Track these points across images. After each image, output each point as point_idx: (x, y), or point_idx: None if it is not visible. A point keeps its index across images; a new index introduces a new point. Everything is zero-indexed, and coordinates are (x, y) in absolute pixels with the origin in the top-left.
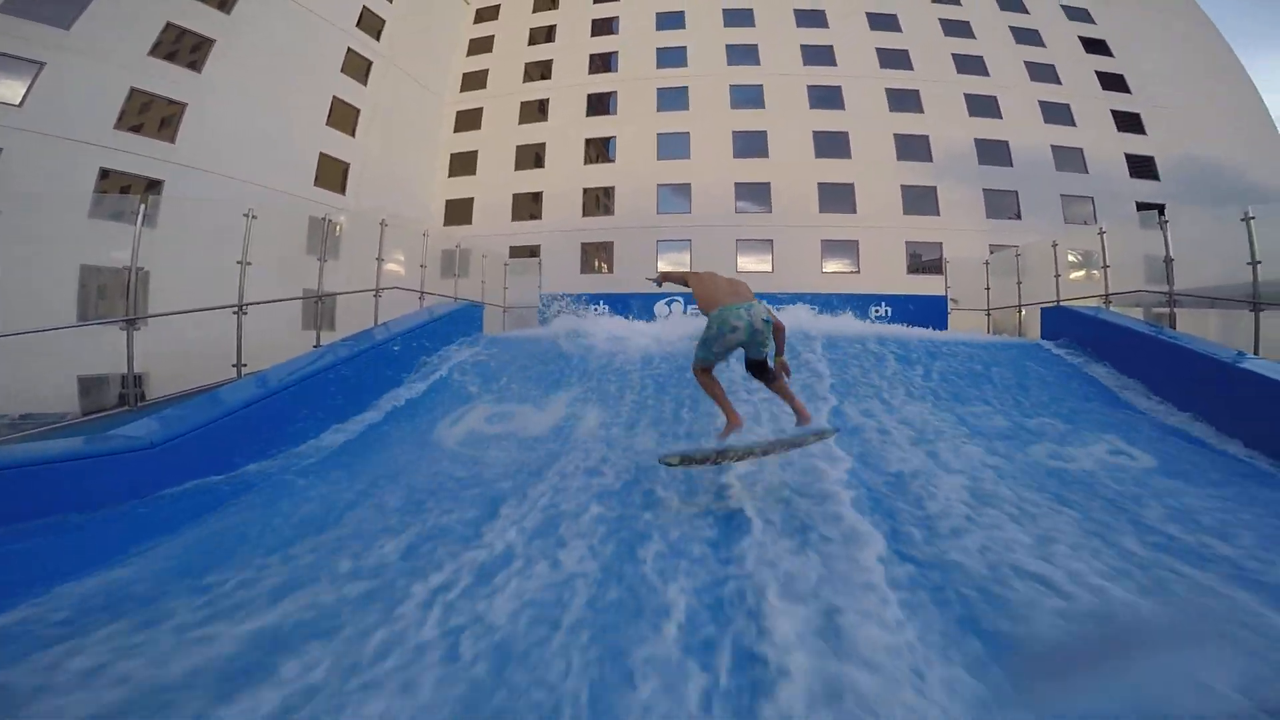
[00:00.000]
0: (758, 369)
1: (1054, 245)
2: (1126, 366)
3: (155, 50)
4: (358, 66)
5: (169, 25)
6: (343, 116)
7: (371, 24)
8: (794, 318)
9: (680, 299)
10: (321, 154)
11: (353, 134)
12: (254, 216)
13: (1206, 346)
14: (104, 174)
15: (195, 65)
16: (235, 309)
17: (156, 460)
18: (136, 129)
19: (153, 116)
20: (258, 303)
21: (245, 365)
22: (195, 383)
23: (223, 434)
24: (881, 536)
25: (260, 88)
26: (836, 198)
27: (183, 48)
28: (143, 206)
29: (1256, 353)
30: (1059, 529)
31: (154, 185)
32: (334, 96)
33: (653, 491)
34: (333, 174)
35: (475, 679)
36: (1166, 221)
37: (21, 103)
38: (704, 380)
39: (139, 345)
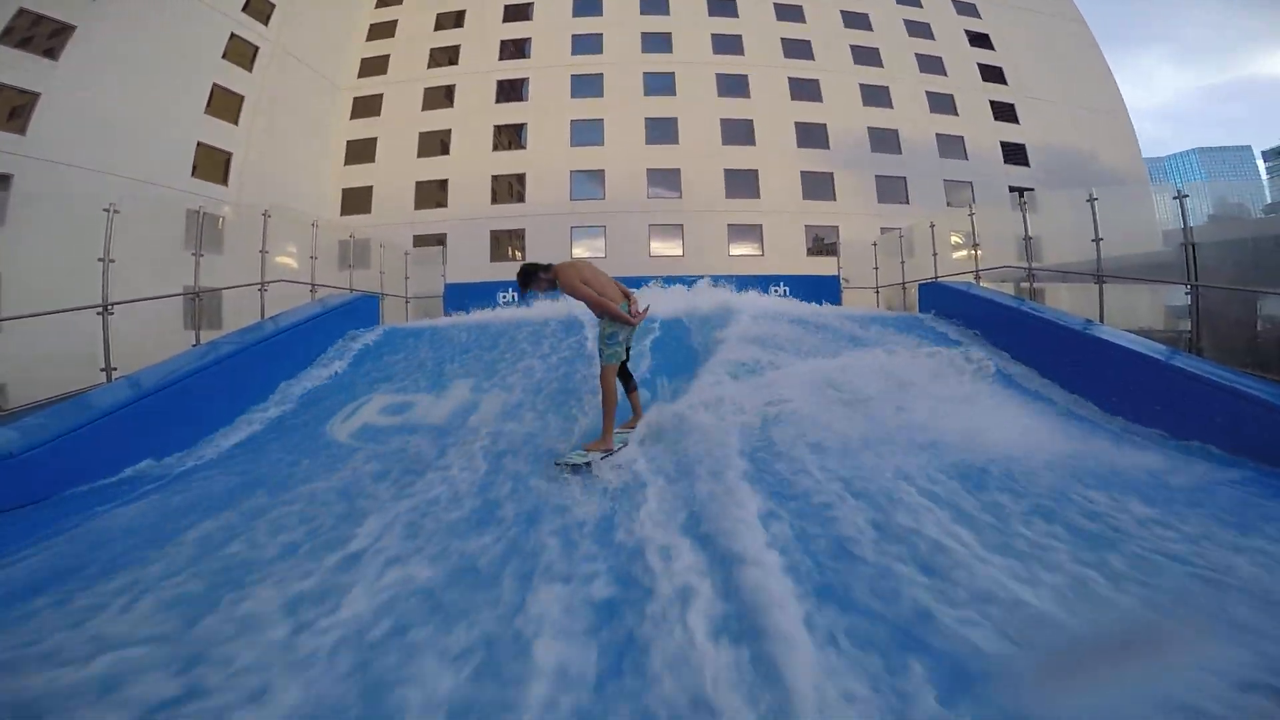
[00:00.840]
0: (626, 373)
1: (931, 226)
2: (989, 334)
3: (5, 38)
4: (242, 53)
5: (23, 11)
6: (224, 104)
7: (260, 9)
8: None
9: None
10: (200, 143)
11: (236, 122)
12: (116, 211)
13: (1056, 315)
14: None
15: (51, 53)
16: (99, 309)
17: (17, 472)
18: None
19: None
20: (124, 301)
21: (116, 369)
22: (60, 390)
23: (90, 441)
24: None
25: (127, 75)
26: (742, 183)
27: (38, 34)
28: None
29: (1102, 321)
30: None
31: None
32: (214, 84)
33: None
34: (213, 164)
35: None
36: (1025, 203)
37: None
38: (612, 385)
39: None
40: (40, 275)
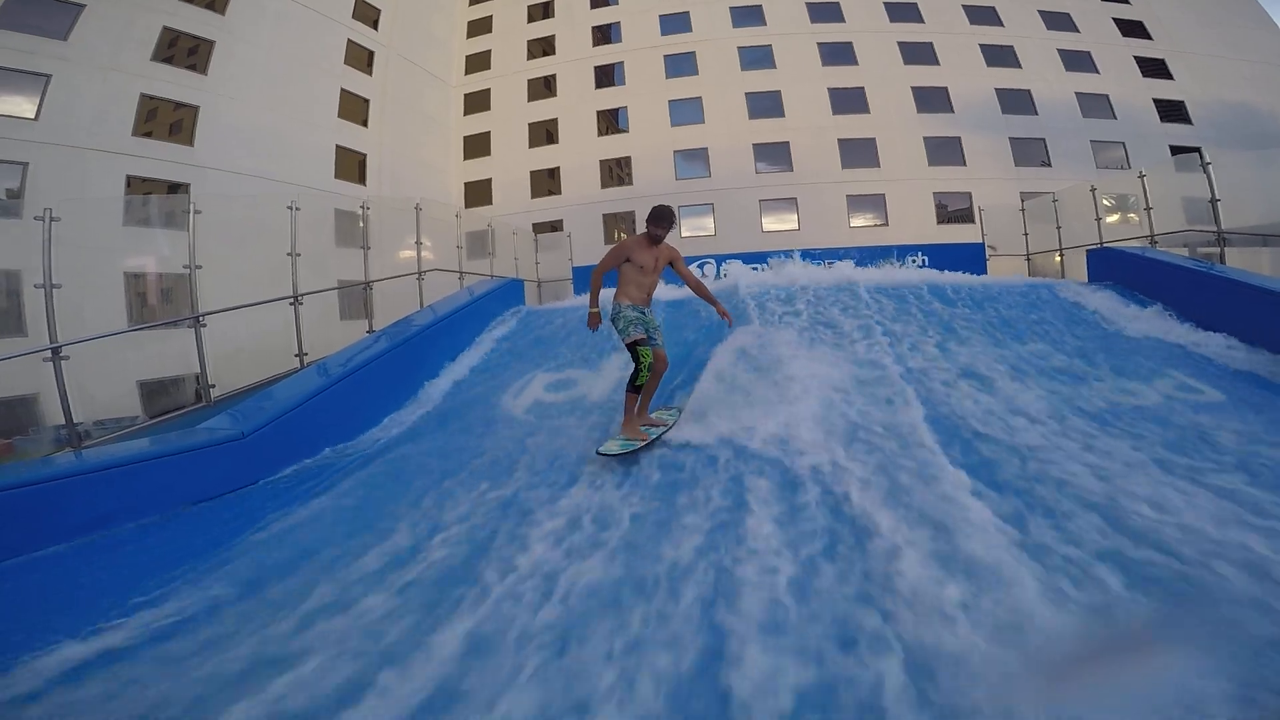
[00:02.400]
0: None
1: (1092, 189)
2: (1180, 304)
3: (157, 55)
4: (360, 57)
5: (165, 29)
6: (353, 108)
7: (366, 14)
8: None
9: (712, 259)
10: (338, 146)
11: (365, 124)
12: (298, 208)
13: (1269, 281)
14: (129, 181)
15: (199, 67)
16: (291, 300)
17: (250, 449)
18: (152, 134)
19: (168, 121)
20: (312, 292)
21: (308, 354)
22: (249, 379)
23: (304, 420)
24: None
25: (268, 85)
26: (858, 153)
27: (180, 51)
28: (192, 205)
29: None
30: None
31: (176, 188)
32: (341, 89)
33: None
34: (351, 165)
35: None
36: (1209, 163)
37: (37, 116)
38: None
39: (193, 345)
40: (217, 275)
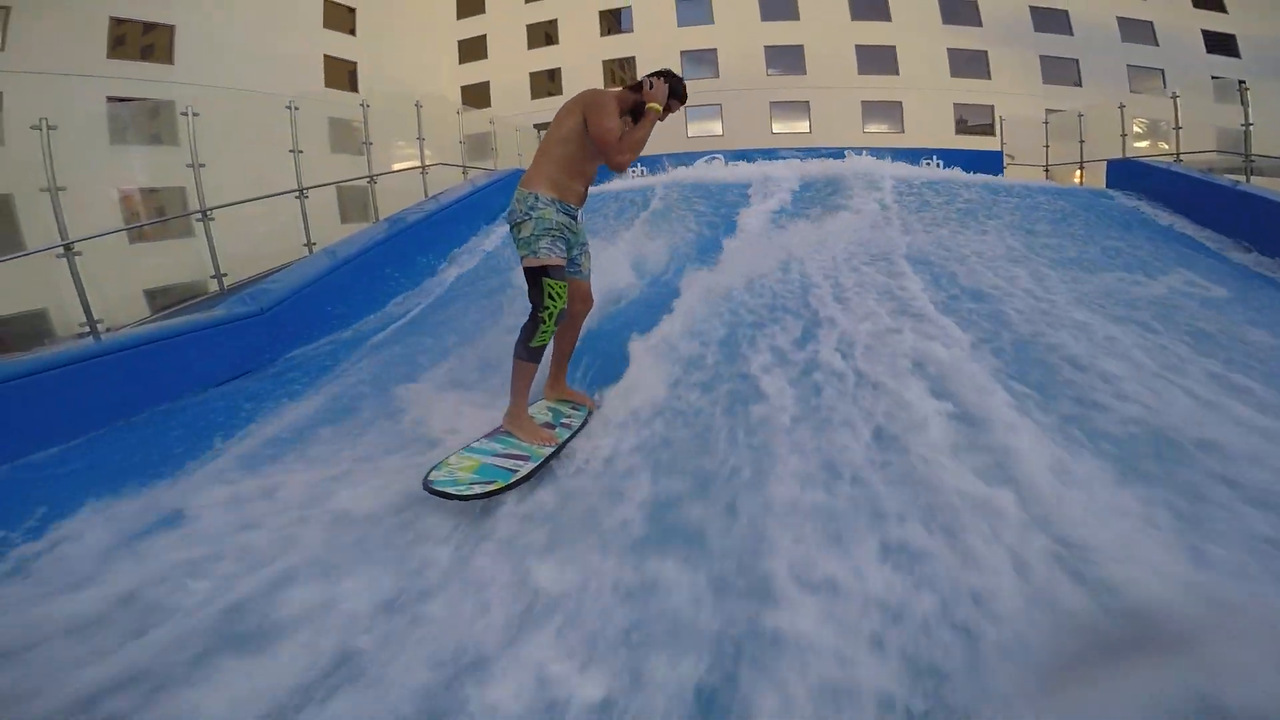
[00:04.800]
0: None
1: (1120, 107)
2: (1202, 219)
3: None
4: None
5: None
6: (338, 17)
7: None
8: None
9: (721, 155)
10: (326, 56)
11: (353, 33)
12: (296, 108)
13: None
14: (109, 102)
15: None
16: (296, 194)
17: (271, 325)
18: (129, 56)
19: (143, 42)
20: (317, 185)
21: (315, 244)
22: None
23: (325, 296)
24: None
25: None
26: (877, 60)
27: None
28: (190, 107)
29: None
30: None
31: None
32: None
33: None
34: (340, 74)
35: None
36: (1248, 89)
37: (3, 46)
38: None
39: (195, 252)
40: (215, 181)
